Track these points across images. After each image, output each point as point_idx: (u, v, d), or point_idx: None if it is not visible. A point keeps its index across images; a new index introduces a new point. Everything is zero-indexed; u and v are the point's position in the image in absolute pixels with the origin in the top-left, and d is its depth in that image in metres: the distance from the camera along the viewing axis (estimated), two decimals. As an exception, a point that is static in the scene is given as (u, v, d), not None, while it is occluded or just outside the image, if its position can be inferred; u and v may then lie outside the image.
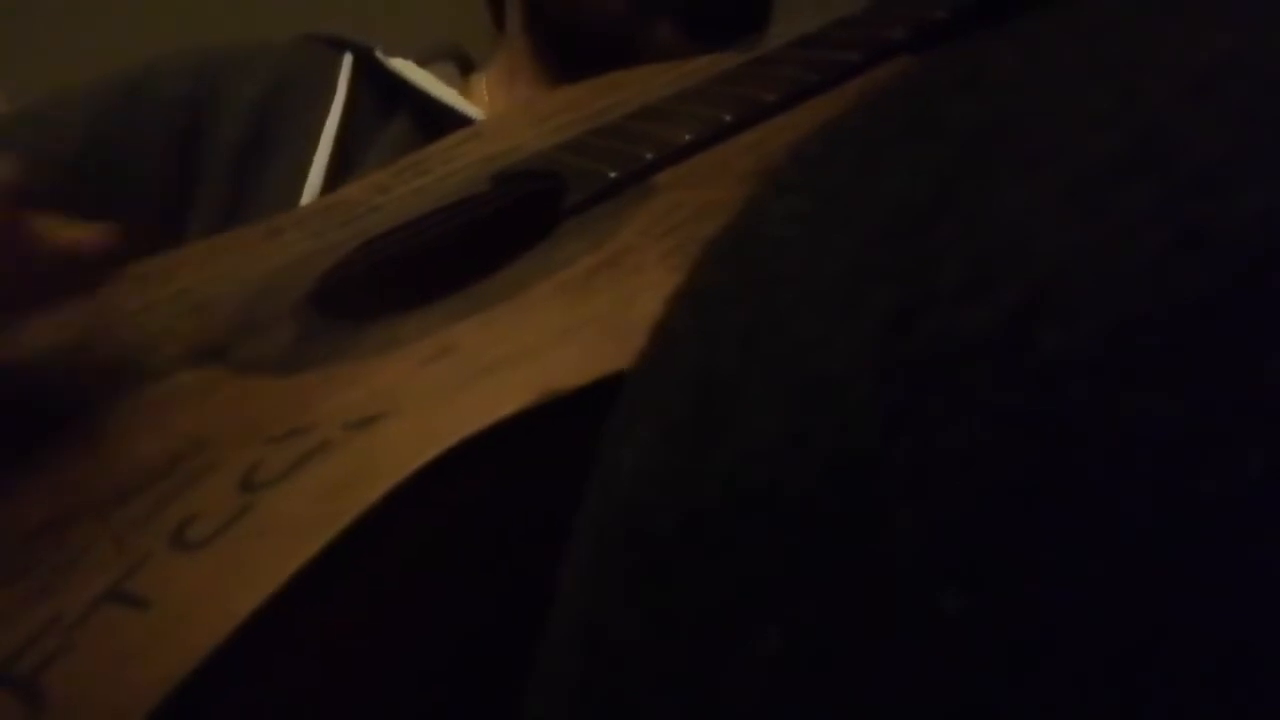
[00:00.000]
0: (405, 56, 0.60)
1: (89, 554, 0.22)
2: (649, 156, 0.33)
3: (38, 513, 0.25)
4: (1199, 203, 0.12)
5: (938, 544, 0.12)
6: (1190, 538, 0.10)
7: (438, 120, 0.54)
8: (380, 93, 0.58)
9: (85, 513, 0.24)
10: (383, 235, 0.37)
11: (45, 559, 0.23)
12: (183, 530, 0.21)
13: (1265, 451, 0.10)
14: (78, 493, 0.26)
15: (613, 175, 0.32)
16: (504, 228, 0.36)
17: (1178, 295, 0.11)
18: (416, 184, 0.41)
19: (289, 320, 0.32)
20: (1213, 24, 0.14)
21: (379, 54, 0.58)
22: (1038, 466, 0.11)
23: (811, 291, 0.14)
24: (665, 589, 0.14)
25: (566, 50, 0.57)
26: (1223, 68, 0.13)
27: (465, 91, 0.60)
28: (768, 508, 0.13)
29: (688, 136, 0.34)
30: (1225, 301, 0.11)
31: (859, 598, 0.12)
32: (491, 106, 0.59)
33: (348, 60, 0.58)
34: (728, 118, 0.34)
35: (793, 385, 0.14)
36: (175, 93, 0.56)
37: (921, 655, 0.11)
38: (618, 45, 0.54)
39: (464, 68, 0.63)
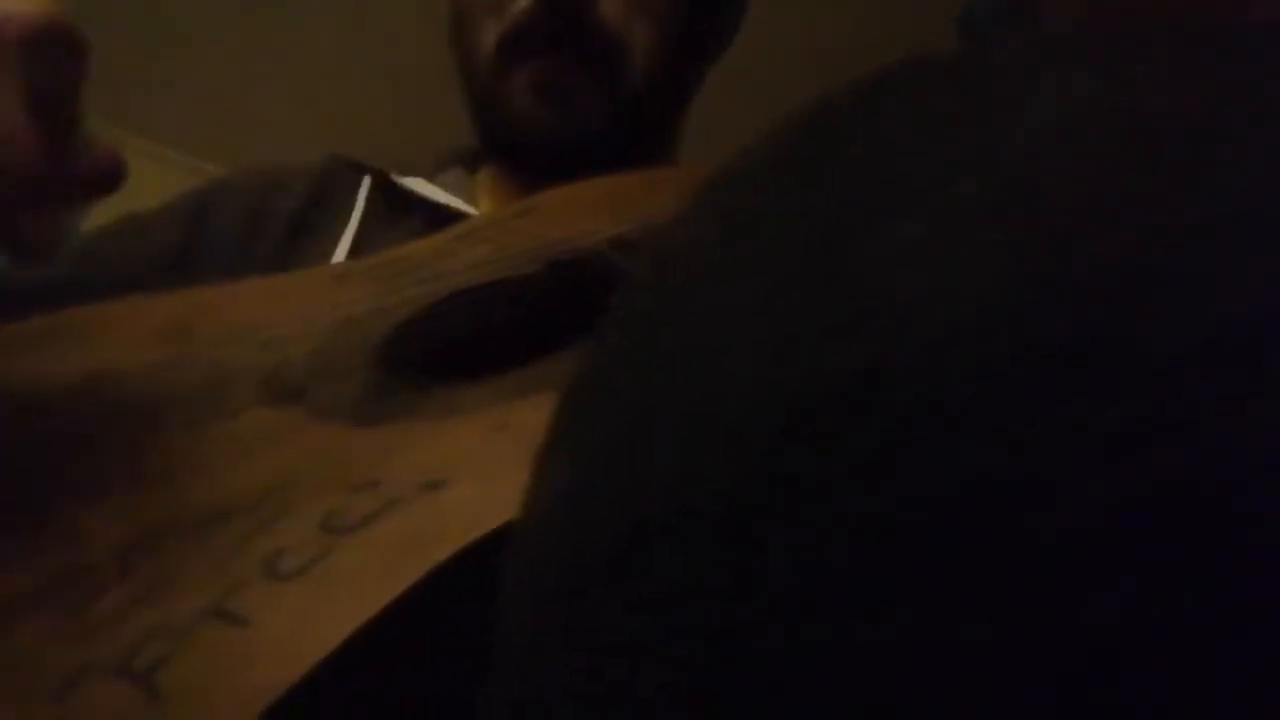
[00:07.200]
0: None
1: (187, 571, 0.26)
2: None
3: (127, 526, 0.29)
4: (1057, 247, 0.12)
5: (807, 577, 0.12)
6: (1029, 577, 0.11)
7: (445, 219, 0.60)
8: (393, 206, 0.64)
9: (178, 531, 0.28)
10: (444, 301, 0.41)
11: (144, 569, 0.26)
12: (274, 561, 0.25)
13: (1102, 494, 0.10)
14: (165, 512, 0.29)
15: None
16: (554, 312, 0.40)
17: (1031, 339, 0.11)
18: (475, 253, 0.45)
19: (362, 371, 0.36)
20: (1080, 69, 0.14)
21: (394, 176, 0.65)
22: (891, 508, 0.11)
23: (710, 326, 0.15)
24: (578, 616, 0.14)
25: (520, 167, 0.64)
26: (1086, 113, 0.13)
27: (472, 187, 0.68)
28: (663, 538, 0.13)
29: None
30: (1079, 345, 0.11)
31: (739, 628, 0.12)
32: (491, 203, 0.66)
33: (366, 181, 0.66)
34: None
35: (687, 419, 0.14)
36: (233, 215, 0.64)
37: (787, 684, 0.12)
38: (559, 160, 0.60)
39: (473, 164, 0.70)
